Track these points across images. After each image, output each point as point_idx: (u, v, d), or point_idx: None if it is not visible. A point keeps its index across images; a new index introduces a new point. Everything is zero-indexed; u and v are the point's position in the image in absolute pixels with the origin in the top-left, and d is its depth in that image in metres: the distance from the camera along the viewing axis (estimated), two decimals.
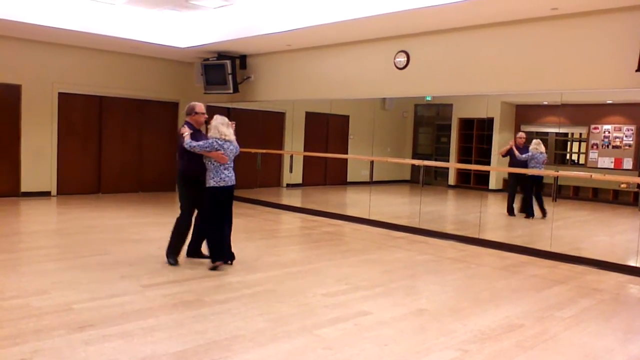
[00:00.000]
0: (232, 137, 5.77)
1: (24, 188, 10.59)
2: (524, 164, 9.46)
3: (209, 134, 5.75)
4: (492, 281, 5.91)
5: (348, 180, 13.75)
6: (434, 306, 4.86)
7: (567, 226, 9.31)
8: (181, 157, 5.86)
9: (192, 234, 6.01)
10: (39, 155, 10.70)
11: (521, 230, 9.43)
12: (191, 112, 5.96)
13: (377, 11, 7.47)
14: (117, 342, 3.70)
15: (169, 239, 5.95)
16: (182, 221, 5.91)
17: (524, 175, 9.46)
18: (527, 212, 9.74)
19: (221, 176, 5.68)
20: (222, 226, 5.79)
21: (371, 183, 10.13)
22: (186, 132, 5.72)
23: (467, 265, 6.58)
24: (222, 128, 5.70)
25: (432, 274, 6.12)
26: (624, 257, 6.93)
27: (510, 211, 9.99)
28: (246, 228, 8.59)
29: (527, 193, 9.78)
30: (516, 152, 9.60)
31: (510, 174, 10.28)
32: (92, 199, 11.03)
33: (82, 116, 11.37)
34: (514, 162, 9.65)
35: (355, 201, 11.85)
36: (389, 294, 5.21)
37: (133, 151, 12.13)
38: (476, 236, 7.95)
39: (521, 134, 10.08)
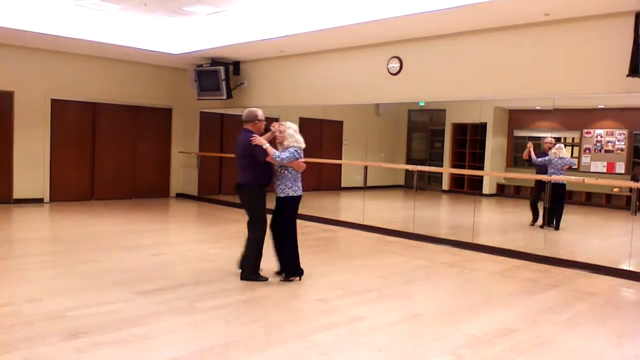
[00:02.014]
0: (304, 145, 5.65)
1: (16, 195, 10.54)
2: (543, 168, 9.11)
3: (285, 142, 5.56)
4: (486, 286, 5.92)
5: (342, 185, 13.74)
6: (428, 311, 4.85)
7: (562, 230, 9.31)
8: (251, 167, 5.56)
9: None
10: (31, 162, 10.66)
11: (515, 235, 9.44)
12: (254, 119, 5.68)
13: (370, 17, 7.50)
14: (109, 350, 3.68)
15: (250, 258, 5.64)
16: (262, 232, 5.65)
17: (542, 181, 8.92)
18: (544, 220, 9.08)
19: (298, 185, 5.62)
20: (296, 237, 5.73)
21: (365, 188, 10.14)
22: (264, 143, 5.46)
23: (461, 270, 6.58)
24: (298, 136, 5.60)
25: (427, 279, 6.11)
26: (617, 260, 6.95)
27: (536, 218, 9.48)
28: (240, 234, 8.55)
29: (539, 199, 9.25)
30: (532, 155, 9.40)
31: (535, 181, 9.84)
32: (86, 205, 10.98)
33: (75, 123, 11.34)
34: (534, 166, 9.45)
35: (350, 206, 11.84)
36: (383, 299, 5.20)
37: (126, 158, 12.10)
38: (470, 241, 7.96)
39: (548, 139, 9.64)
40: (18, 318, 4.23)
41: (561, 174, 8.94)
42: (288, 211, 5.66)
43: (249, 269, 5.65)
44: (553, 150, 9.13)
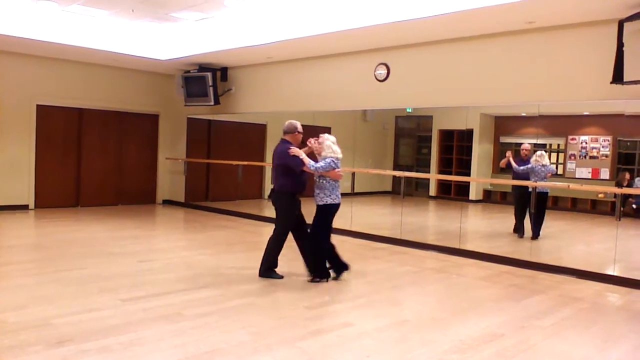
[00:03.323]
0: (341, 155, 5.93)
1: (0, 201, 10.42)
2: (525, 176, 8.79)
3: (322, 153, 5.86)
4: (472, 291, 5.95)
5: None
6: (416, 317, 4.87)
7: (547, 236, 9.39)
8: (285, 175, 5.91)
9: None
10: (16, 168, 10.55)
11: (501, 241, 9.50)
12: (294, 130, 5.99)
13: (357, 24, 7.53)
14: (95, 357, 3.64)
15: (268, 255, 6.04)
16: (284, 234, 6.04)
17: (523, 189, 8.68)
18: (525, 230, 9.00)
19: (336, 193, 5.90)
20: (329, 242, 6.01)
21: (353, 194, 10.15)
22: (301, 153, 5.79)
23: (448, 276, 6.61)
24: (335, 147, 5.89)
25: (414, 285, 6.13)
26: (602, 266, 7.02)
27: (518, 230, 9.25)
28: (227, 240, 8.55)
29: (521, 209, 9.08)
30: (513, 164, 9.11)
31: (513, 188, 9.60)
32: (71, 212, 10.88)
33: (61, 129, 11.25)
34: (514, 175, 9.15)
35: (337, 213, 11.87)
36: (371, 305, 5.21)
37: (113, 164, 12.02)
38: (457, 247, 8.00)
39: (525, 146, 9.42)
40: (3, 326, 4.18)
41: (544, 182, 8.70)
42: (326, 218, 5.94)
43: (265, 266, 5.99)
44: (534, 158, 8.84)
